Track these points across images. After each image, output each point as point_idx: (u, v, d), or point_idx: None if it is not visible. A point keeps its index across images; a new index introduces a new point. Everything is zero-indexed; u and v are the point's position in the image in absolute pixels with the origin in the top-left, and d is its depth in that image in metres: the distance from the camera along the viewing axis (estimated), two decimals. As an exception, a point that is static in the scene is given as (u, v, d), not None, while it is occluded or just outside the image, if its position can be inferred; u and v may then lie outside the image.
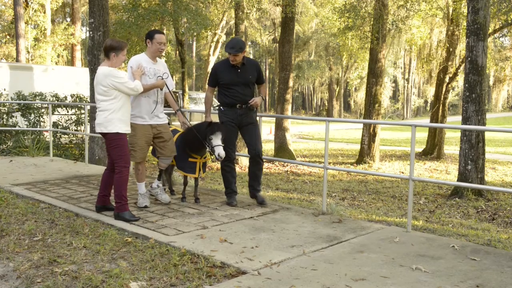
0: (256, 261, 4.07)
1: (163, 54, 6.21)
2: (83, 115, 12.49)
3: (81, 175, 8.13)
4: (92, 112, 10.58)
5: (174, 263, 3.99)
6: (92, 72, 10.55)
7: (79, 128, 12.84)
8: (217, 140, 5.52)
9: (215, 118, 6.09)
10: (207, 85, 6.25)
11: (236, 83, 5.92)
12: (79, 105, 12.60)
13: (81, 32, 28.10)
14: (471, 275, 3.87)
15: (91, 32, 10.58)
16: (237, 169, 13.47)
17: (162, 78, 5.69)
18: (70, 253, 4.23)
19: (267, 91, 6.64)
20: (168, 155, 5.87)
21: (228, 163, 6.04)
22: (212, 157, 5.66)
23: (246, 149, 6.23)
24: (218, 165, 13.53)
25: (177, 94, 20.86)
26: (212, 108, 6.20)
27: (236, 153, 6.26)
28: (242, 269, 3.87)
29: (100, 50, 10.47)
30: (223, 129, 5.65)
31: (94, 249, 4.35)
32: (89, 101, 11.26)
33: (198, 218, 5.40)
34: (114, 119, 5.15)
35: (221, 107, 6.06)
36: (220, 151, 5.48)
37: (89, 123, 10.63)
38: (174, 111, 6.02)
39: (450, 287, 3.61)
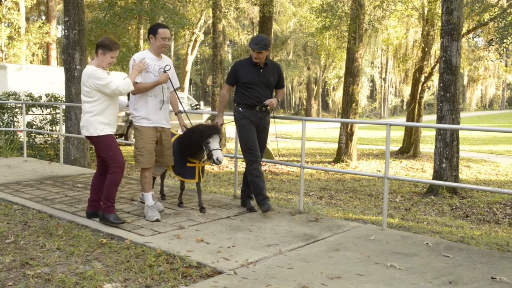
0: (232, 260, 4.07)
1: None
2: (58, 115, 12.29)
3: (55, 175, 8.00)
4: (68, 112, 10.43)
5: (149, 264, 3.96)
6: (67, 71, 10.39)
7: (54, 128, 12.63)
8: (215, 144, 5.28)
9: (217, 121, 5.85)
10: (224, 83, 5.93)
11: (257, 83, 5.60)
12: (54, 105, 12.40)
13: (56, 31, 27.63)
14: (444, 271, 3.93)
15: (66, 31, 10.41)
16: (216, 168, 13.43)
17: (165, 71, 5.28)
18: (43, 255, 4.17)
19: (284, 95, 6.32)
20: (165, 164, 5.56)
21: (256, 165, 5.61)
22: (210, 161, 5.37)
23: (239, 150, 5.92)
24: (215, 168, 13.45)
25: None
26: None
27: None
28: (218, 269, 3.86)
29: (75, 49, 10.32)
30: (221, 132, 5.45)
31: (68, 251, 4.29)
32: (64, 100, 11.09)
33: (175, 218, 5.37)
34: (96, 121, 4.92)
35: (240, 108, 5.70)
36: (219, 155, 5.23)
37: (64, 123, 10.48)
38: (174, 112, 5.68)
39: (423, 283, 3.67)
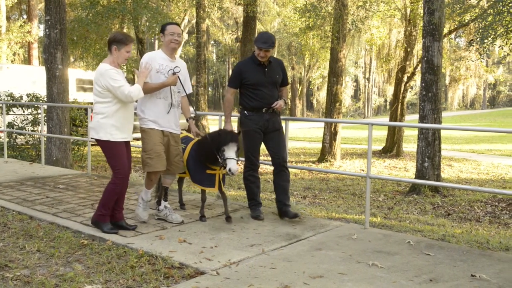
0: (215, 261, 4.06)
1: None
2: (39, 115, 12.14)
3: (36, 176, 7.90)
4: (49, 112, 10.31)
5: (131, 265, 3.93)
6: (49, 71, 10.27)
7: (35, 128, 12.48)
8: (230, 152, 4.86)
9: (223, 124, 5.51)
10: (227, 86, 5.57)
11: (263, 84, 5.31)
12: (36, 105, 12.25)
13: (38, 30, 27.27)
14: (425, 269, 3.97)
15: (47, 30, 10.29)
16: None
17: (174, 73, 4.94)
18: (23, 257, 4.11)
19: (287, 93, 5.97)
20: (174, 172, 5.24)
21: (253, 172, 5.47)
22: (225, 170, 4.97)
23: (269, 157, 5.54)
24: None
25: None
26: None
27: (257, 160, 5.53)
28: (201, 270, 3.85)
29: (57, 48, 10.19)
30: (238, 139, 5.02)
31: (48, 253, 4.24)
32: (45, 100, 10.96)
33: (158, 219, 5.33)
34: (107, 124, 4.59)
35: (245, 112, 5.41)
36: (232, 165, 4.79)
37: (45, 123, 10.36)
38: (185, 119, 5.29)
39: (405, 282, 3.70)
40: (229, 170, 4.79)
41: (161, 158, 4.92)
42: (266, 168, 14.25)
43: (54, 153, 10.30)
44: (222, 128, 5.38)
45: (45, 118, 10.39)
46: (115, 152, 4.66)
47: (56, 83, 10.22)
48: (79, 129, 14.26)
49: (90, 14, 13.59)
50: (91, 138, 4.80)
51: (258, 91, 5.31)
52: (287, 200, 5.44)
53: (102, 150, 4.73)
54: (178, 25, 5.19)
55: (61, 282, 3.58)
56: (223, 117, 5.71)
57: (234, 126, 5.63)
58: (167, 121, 5.01)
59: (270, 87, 5.37)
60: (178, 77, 5.00)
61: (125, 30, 21.18)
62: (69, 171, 8.88)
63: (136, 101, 5.03)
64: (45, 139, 10.32)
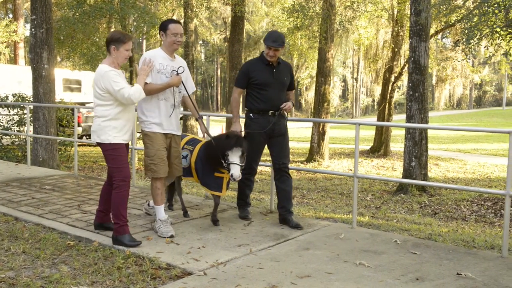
0: (202, 261, 4.05)
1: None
2: (25, 115, 12.02)
3: (22, 177, 7.83)
4: (35, 112, 10.21)
5: (118, 266, 3.90)
6: (35, 71, 10.18)
7: (21, 128, 12.35)
8: (234, 157, 4.70)
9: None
10: (234, 86, 5.37)
11: (271, 84, 5.12)
12: (21, 105, 12.12)
13: (24, 29, 26.99)
14: (411, 268, 4.00)
15: (33, 29, 10.19)
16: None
17: (178, 73, 4.76)
18: (8, 259, 4.07)
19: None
20: (173, 174, 4.99)
21: (250, 176, 5.37)
22: (229, 174, 4.82)
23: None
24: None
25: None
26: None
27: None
28: (188, 270, 3.84)
29: (43, 48, 10.11)
30: (244, 144, 4.83)
31: (33, 254, 4.20)
32: (31, 100, 10.86)
33: (145, 219, 5.31)
34: (108, 127, 4.43)
35: (251, 114, 5.22)
36: (234, 171, 4.65)
37: (31, 124, 10.26)
38: (195, 118, 5.10)
39: (391, 280, 3.72)
40: (231, 175, 4.66)
41: (164, 163, 4.75)
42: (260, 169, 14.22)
43: (41, 153, 10.21)
44: (230, 130, 5.20)
45: (31, 118, 10.29)
46: (116, 154, 4.48)
47: (42, 83, 10.13)
48: (65, 129, 14.14)
49: (77, 14, 13.48)
50: (94, 142, 4.58)
51: (265, 92, 5.13)
52: (291, 207, 5.31)
53: (104, 153, 4.54)
54: (180, 23, 4.96)
55: (47, 284, 3.55)
56: (212, 117, 5.62)
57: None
58: (170, 123, 4.82)
59: (278, 89, 5.20)
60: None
61: (112, 30, 21.06)
62: (55, 171, 8.80)
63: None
64: (31, 140, 10.22)
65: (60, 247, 4.40)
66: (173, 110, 4.82)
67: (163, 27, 4.77)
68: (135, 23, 16.09)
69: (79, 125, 16.24)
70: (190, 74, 5.10)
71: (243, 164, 4.79)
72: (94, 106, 4.51)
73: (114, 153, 4.47)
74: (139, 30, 15.25)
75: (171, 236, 4.66)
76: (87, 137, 17.61)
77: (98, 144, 4.52)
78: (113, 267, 3.89)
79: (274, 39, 5.04)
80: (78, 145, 8.48)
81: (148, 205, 5.27)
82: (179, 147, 5.04)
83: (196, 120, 5.04)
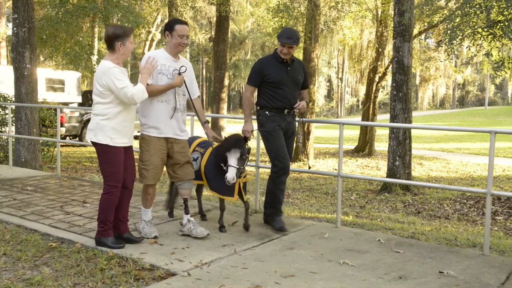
0: (186, 262, 4.03)
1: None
2: (7, 116, 11.85)
3: (3, 178, 7.72)
4: (17, 112, 10.08)
5: (100, 267, 3.87)
6: (17, 70, 10.04)
7: (3, 129, 12.17)
8: (231, 159, 4.55)
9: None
10: (246, 84, 5.21)
11: (285, 82, 4.99)
12: (3, 105, 11.95)
13: (6, 28, 26.61)
14: (394, 267, 4.03)
15: (15, 28, 10.05)
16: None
17: (180, 73, 4.56)
18: (-12, 261, 4.01)
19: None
20: (183, 178, 4.74)
21: (285, 178, 5.10)
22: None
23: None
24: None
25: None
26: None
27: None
28: (172, 271, 3.82)
29: (25, 47, 9.98)
30: (244, 146, 4.68)
31: (15, 256, 4.15)
32: (13, 100, 10.71)
33: (129, 220, 5.26)
34: (106, 126, 4.20)
35: (267, 112, 5.05)
36: (229, 174, 4.47)
37: (13, 124, 10.13)
38: (201, 123, 4.90)
39: (375, 279, 3.74)
40: (225, 178, 4.49)
41: (157, 170, 4.58)
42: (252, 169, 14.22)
43: (23, 154, 10.08)
44: (244, 126, 5.06)
45: (13, 118, 10.15)
46: (112, 158, 4.24)
47: (24, 82, 10.01)
48: (48, 129, 13.99)
49: (60, 13, 13.33)
50: (89, 141, 4.38)
51: (280, 90, 4.99)
52: (281, 207, 5.22)
53: (98, 154, 4.32)
54: (187, 24, 4.77)
55: (28, 286, 3.50)
56: (196, 117, 5.41)
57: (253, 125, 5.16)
58: (170, 127, 4.59)
59: (292, 87, 5.06)
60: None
61: (96, 29, 20.89)
62: (38, 172, 8.70)
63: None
64: (13, 140, 10.09)
65: (42, 249, 4.35)
66: (174, 113, 4.60)
67: (169, 27, 4.60)
68: (119, 23, 15.96)
69: (62, 126, 16.08)
70: (194, 77, 4.93)
71: (242, 167, 4.65)
72: (93, 104, 4.32)
73: (109, 157, 4.25)
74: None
75: (155, 237, 4.61)
76: (71, 137, 17.44)
77: (93, 144, 4.30)
78: (96, 268, 3.86)
79: (289, 35, 4.90)
80: (61, 146, 8.39)
81: (181, 224, 4.87)
82: (186, 151, 4.77)
83: (202, 125, 4.89)
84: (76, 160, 14.41)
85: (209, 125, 4.85)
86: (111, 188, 4.25)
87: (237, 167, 4.56)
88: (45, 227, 4.97)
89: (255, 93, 5.28)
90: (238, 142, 4.66)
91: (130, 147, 4.47)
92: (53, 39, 15.53)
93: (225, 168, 4.62)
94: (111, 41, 4.24)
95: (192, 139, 5.23)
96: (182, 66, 4.61)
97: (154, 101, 4.53)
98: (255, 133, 5.35)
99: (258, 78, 5.04)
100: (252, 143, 4.95)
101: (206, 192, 9.70)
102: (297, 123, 5.30)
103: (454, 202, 9.33)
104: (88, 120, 17.40)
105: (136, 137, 7.45)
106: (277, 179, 5.08)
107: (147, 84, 4.41)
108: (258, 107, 5.14)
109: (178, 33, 4.54)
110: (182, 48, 4.64)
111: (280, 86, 4.99)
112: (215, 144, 4.95)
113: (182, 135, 4.72)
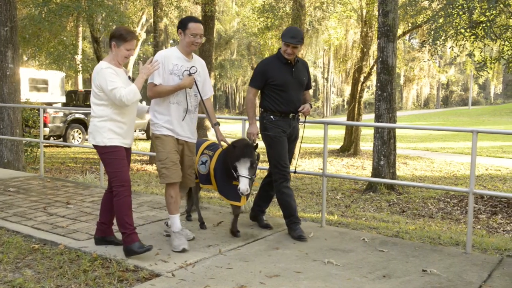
0: (171, 262, 4.01)
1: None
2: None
3: (-14, 179, 7.61)
4: (0, 113, 9.93)
5: (84, 269, 3.84)
6: (-1, 71, 9.91)
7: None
8: (242, 169, 4.38)
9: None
10: (249, 87, 5.01)
11: (291, 85, 4.80)
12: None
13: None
14: (379, 266, 4.05)
15: (-4, 28, 9.92)
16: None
17: (190, 74, 4.36)
18: (-31, 264, 3.95)
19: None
20: (186, 185, 4.68)
21: (287, 184, 4.90)
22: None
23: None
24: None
25: None
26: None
27: None
28: (156, 272, 3.80)
29: (7, 46, 9.85)
30: (253, 153, 4.50)
31: (-4, 259, 4.09)
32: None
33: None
34: (104, 128, 4.12)
35: (271, 116, 4.85)
36: (242, 185, 4.32)
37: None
38: (211, 125, 4.71)
39: (359, 278, 3.76)
40: (238, 189, 4.35)
41: (177, 167, 4.38)
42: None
43: (6, 155, 9.95)
44: (249, 130, 4.92)
45: (-5, 119, 10.01)
46: (112, 157, 4.14)
47: (7, 82, 9.88)
48: (32, 130, 13.83)
49: (43, 12, 13.18)
50: (90, 144, 4.29)
51: (285, 93, 4.79)
52: (265, 208, 5.29)
53: (100, 157, 4.25)
54: (201, 22, 4.55)
55: (10, 289, 3.46)
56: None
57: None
58: (182, 129, 4.45)
59: (297, 89, 4.88)
60: (195, 78, 4.45)
61: (80, 29, 20.69)
62: (21, 173, 8.60)
63: (140, 102, 4.61)
64: (-5, 141, 9.95)
65: (24, 251, 4.29)
66: (185, 115, 4.44)
67: (183, 25, 4.40)
68: (103, 22, 15.83)
69: (45, 126, 15.90)
70: (208, 76, 4.75)
71: (253, 176, 4.50)
72: (91, 105, 4.23)
73: (111, 157, 4.15)
74: (108, 29, 14.99)
75: (183, 250, 4.28)
76: (54, 137, 17.26)
77: (94, 147, 4.23)
78: (79, 270, 3.82)
79: (293, 35, 4.72)
80: (45, 146, 8.30)
81: (167, 225, 4.79)
82: (194, 156, 4.68)
83: (212, 126, 4.70)
84: (60, 161, 14.27)
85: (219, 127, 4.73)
86: (118, 189, 4.13)
87: (249, 177, 4.39)
88: (28, 228, 4.91)
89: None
90: (247, 149, 4.47)
91: (129, 149, 4.40)
92: (36, 39, 15.36)
93: (235, 175, 4.47)
94: (109, 40, 4.20)
95: (200, 142, 5.06)
96: (193, 66, 4.42)
97: (166, 102, 4.38)
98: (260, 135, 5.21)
99: (261, 80, 4.85)
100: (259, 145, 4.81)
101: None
102: (299, 126, 5.14)
103: (438, 201, 9.42)
104: (72, 120, 17.35)
105: (140, 138, 7.34)
106: (279, 186, 4.92)
107: (155, 85, 4.31)
108: (262, 110, 4.96)
109: (192, 32, 4.35)
110: (195, 47, 4.46)
111: (285, 89, 4.80)
112: (224, 144, 4.77)
113: (193, 138, 4.61)
